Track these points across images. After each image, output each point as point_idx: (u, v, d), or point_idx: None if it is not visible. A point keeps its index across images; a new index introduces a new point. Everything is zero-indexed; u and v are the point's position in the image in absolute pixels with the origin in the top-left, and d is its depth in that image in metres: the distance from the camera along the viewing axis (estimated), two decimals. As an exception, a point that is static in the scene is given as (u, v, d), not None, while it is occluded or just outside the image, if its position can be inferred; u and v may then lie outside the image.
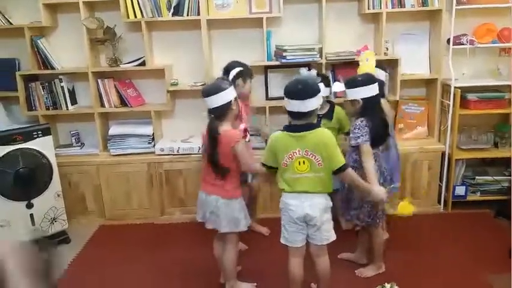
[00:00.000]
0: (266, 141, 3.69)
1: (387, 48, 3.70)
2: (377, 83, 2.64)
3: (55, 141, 3.71)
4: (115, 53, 3.67)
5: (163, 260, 3.16)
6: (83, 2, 3.48)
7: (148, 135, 3.73)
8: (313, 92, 2.24)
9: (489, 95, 3.58)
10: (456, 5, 3.43)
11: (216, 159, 2.48)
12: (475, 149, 3.71)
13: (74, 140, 3.86)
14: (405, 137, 3.82)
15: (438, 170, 3.69)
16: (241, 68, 3.03)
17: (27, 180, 3.21)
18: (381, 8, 3.52)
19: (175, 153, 3.65)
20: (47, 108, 3.72)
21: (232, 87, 2.51)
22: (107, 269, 3.08)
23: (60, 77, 3.68)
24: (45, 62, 3.63)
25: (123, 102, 3.76)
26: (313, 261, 2.43)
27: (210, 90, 2.46)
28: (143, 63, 3.65)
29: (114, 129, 3.75)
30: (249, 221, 2.63)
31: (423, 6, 3.54)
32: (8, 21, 3.58)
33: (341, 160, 2.28)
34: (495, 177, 3.74)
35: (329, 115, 3.20)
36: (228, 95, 2.46)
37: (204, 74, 3.67)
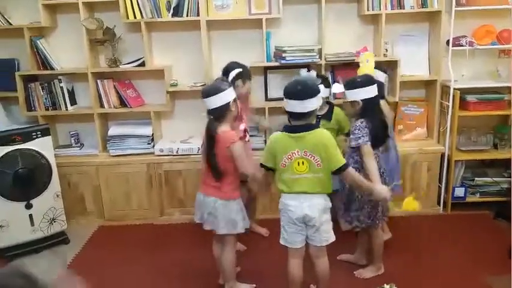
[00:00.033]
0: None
1: (387, 50, 3.70)
2: (376, 84, 2.65)
3: (54, 142, 3.71)
4: (114, 54, 3.67)
5: (163, 260, 3.16)
6: (82, 2, 3.48)
7: (148, 136, 3.73)
8: (312, 92, 2.24)
9: (488, 97, 3.58)
10: (455, 7, 3.44)
11: (213, 159, 2.49)
12: (474, 151, 3.71)
13: (73, 141, 3.86)
14: (404, 138, 3.82)
15: (437, 171, 3.70)
16: (240, 69, 3.03)
17: (26, 180, 3.21)
18: (380, 9, 3.52)
19: (175, 153, 3.65)
20: (47, 109, 3.72)
21: (231, 88, 2.51)
22: (106, 270, 3.08)
23: (60, 77, 3.69)
24: (44, 63, 3.63)
25: (122, 103, 3.76)
26: (313, 262, 2.43)
27: (209, 91, 2.46)
28: (143, 64, 3.65)
29: (113, 130, 3.75)
30: (248, 223, 2.62)
31: (422, 7, 3.55)
32: (8, 21, 3.58)
33: (341, 160, 2.27)
34: (494, 179, 3.74)
35: (328, 116, 3.19)
36: (227, 96, 2.45)
37: (203, 75, 3.67)
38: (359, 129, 2.57)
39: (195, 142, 3.65)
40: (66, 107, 3.73)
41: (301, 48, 3.50)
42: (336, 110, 3.23)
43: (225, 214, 2.51)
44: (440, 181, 3.73)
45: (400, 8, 3.54)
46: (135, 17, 3.52)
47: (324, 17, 3.52)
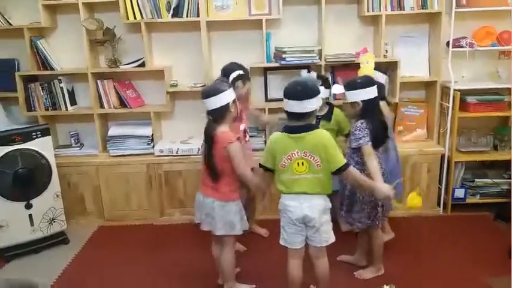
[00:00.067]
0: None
1: (387, 51, 3.71)
2: (376, 85, 2.65)
3: (54, 142, 3.71)
4: (114, 54, 3.67)
5: (163, 261, 3.16)
6: (82, 3, 3.48)
7: (148, 136, 3.73)
8: (312, 93, 2.24)
9: (488, 98, 3.58)
10: (456, 8, 3.44)
11: (210, 160, 2.48)
12: (474, 152, 3.71)
13: (73, 141, 3.86)
14: (404, 139, 3.82)
15: (437, 172, 3.69)
16: (241, 71, 3.05)
17: (26, 180, 3.21)
18: (380, 11, 3.52)
19: (175, 154, 3.65)
20: (46, 109, 3.72)
21: (231, 89, 2.50)
22: (105, 270, 3.08)
23: (60, 77, 3.69)
24: (44, 63, 3.63)
25: (122, 103, 3.76)
26: (313, 263, 2.43)
27: (208, 92, 2.46)
28: (143, 64, 3.65)
29: (113, 130, 3.75)
30: (246, 225, 2.60)
31: (423, 8, 3.55)
32: (8, 21, 3.58)
33: (341, 160, 2.27)
34: (494, 180, 3.74)
35: (328, 116, 3.20)
36: (227, 97, 2.45)
37: (203, 76, 3.67)
38: (359, 130, 2.58)
39: (195, 143, 3.65)
40: (66, 107, 3.73)
41: (301, 49, 3.50)
42: (336, 111, 3.23)
43: (223, 215, 2.51)
44: (440, 182, 3.73)
45: (400, 9, 3.54)
46: (135, 18, 3.52)
47: (324, 18, 3.52)
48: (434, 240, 3.31)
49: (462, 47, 3.53)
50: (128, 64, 3.71)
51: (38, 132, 3.31)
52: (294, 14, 3.70)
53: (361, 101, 2.60)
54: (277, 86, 3.74)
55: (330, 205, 2.37)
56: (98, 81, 3.69)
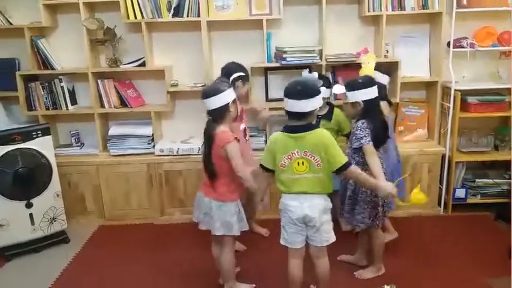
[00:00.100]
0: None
1: (387, 51, 3.70)
2: (376, 86, 2.65)
3: (55, 141, 3.71)
4: (115, 54, 3.67)
5: (163, 260, 3.16)
6: (83, 2, 3.48)
7: (148, 136, 3.73)
8: (312, 92, 2.24)
9: (489, 98, 3.58)
10: (456, 8, 3.44)
11: (209, 159, 2.49)
12: (475, 152, 3.70)
13: (73, 140, 3.86)
14: (405, 139, 3.82)
15: (438, 172, 3.69)
16: (242, 73, 3.06)
17: (26, 180, 3.21)
18: (381, 11, 3.52)
19: (175, 153, 3.65)
20: (47, 108, 3.72)
21: (231, 89, 2.50)
22: (106, 270, 3.08)
23: (60, 77, 3.69)
24: (45, 62, 3.64)
25: (123, 103, 3.76)
26: (313, 262, 2.43)
27: (208, 92, 2.46)
28: (143, 64, 3.65)
29: (114, 130, 3.75)
30: (245, 225, 2.58)
31: (423, 9, 3.55)
32: (8, 21, 3.58)
33: (343, 159, 2.26)
34: (495, 180, 3.74)
35: (328, 116, 3.20)
36: (227, 97, 2.45)
37: (204, 75, 3.67)
38: (360, 130, 2.58)
39: (196, 142, 3.66)
40: (66, 106, 3.73)
41: (302, 49, 3.50)
42: (336, 110, 3.24)
43: (220, 215, 2.50)
44: (441, 182, 3.73)
45: (401, 10, 3.54)
46: (135, 17, 3.52)
47: (324, 18, 3.52)
48: (435, 240, 3.31)
49: (463, 47, 3.53)
50: (128, 64, 3.71)
51: (38, 132, 3.31)
52: (294, 14, 3.70)
53: (362, 101, 2.61)
54: (277, 86, 3.74)
55: (330, 205, 2.37)
56: (99, 81, 3.69)
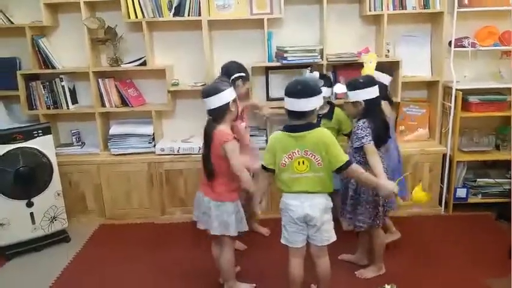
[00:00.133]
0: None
1: (388, 50, 3.70)
2: (378, 85, 2.65)
3: (55, 141, 3.71)
4: (116, 53, 3.67)
5: (164, 259, 3.16)
6: (84, 2, 3.48)
7: (149, 135, 3.73)
8: (312, 91, 2.24)
9: (491, 98, 3.58)
10: (458, 8, 3.44)
11: (207, 159, 2.48)
12: (476, 152, 3.70)
13: (74, 139, 3.86)
14: (406, 139, 3.81)
15: (439, 172, 3.69)
16: (242, 73, 3.06)
17: (27, 179, 3.21)
18: (382, 10, 3.52)
19: (176, 153, 3.65)
20: (48, 108, 3.72)
21: (231, 88, 2.49)
22: (106, 269, 3.08)
23: (61, 76, 3.69)
24: (46, 62, 3.64)
25: (123, 102, 3.76)
26: (314, 262, 2.42)
27: (208, 91, 2.45)
28: (144, 63, 3.65)
29: (114, 129, 3.75)
30: (244, 226, 2.57)
31: (425, 8, 3.54)
32: (9, 20, 3.59)
33: (343, 158, 2.26)
34: (496, 180, 3.73)
35: (329, 115, 3.20)
36: (227, 96, 2.44)
37: (204, 75, 3.67)
38: (361, 129, 2.58)
39: (196, 141, 3.66)
40: (67, 105, 3.73)
41: (303, 49, 3.50)
42: (337, 110, 3.24)
43: (218, 215, 2.50)
44: (442, 182, 3.72)
45: (402, 9, 3.54)
46: (136, 17, 3.52)
47: (325, 18, 3.52)
48: (435, 239, 3.30)
49: (464, 46, 3.53)
50: (129, 63, 3.71)
51: (39, 131, 3.31)
52: (295, 13, 3.69)
53: (363, 100, 2.61)
54: (278, 85, 3.74)
55: (331, 204, 2.36)
56: (99, 80, 3.69)
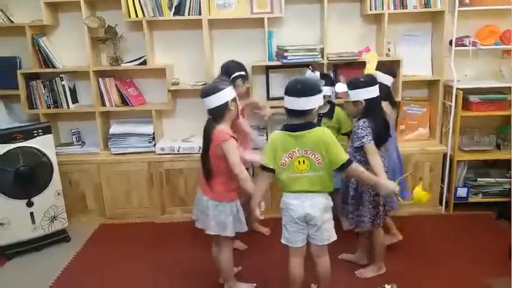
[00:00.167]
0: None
1: (389, 49, 3.69)
2: (378, 85, 2.65)
3: (56, 140, 3.70)
4: (116, 52, 3.67)
5: (164, 259, 3.16)
6: (84, 1, 3.48)
7: (149, 135, 3.73)
8: (312, 91, 2.23)
9: (491, 97, 3.57)
10: (459, 7, 3.43)
11: (206, 158, 2.48)
12: (477, 151, 3.70)
13: (74, 139, 3.86)
14: (407, 138, 3.81)
15: (440, 171, 3.68)
16: (242, 72, 3.06)
17: (27, 178, 3.21)
18: (383, 9, 3.52)
19: (176, 152, 3.65)
20: (48, 107, 3.72)
21: (231, 88, 2.48)
22: (107, 268, 3.08)
23: (61, 75, 3.68)
24: (46, 61, 3.63)
25: (124, 101, 3.75)
26: (314, 261, 2.42)
27: (208, 91, 2.45)
28: (144, 63, 3.65)
29: (115, 128, 3.75)
30: (243, 227, 2.55)
31: (425, 7, 3.54)
32: (10, 19, 3.58)
33: (344, 157, 2.25)
34: (497, 179, 3.73)
35: (329, 114, 3.21)
36: (226, 95, 2.43)
37: (205, 74, 3.67)
38: (362, 129, 2.57)
39: (196, 141, 3.65)
40: (67, 105, 3.73)
41: (303, 48, 3.49)
42: (337, 109, 3.24)
43: (216, 215, 2.49)
44: (442, 181, 3.72)
45: (403, 8, 3.53)
46: (136, 16, 3.51)
47: (326, 17, 3.51)
48: (436, 239, 3.30)
49: (465, 45, 3.52)
50: (129, 62, 3.71)
51: (39, 130, 3.31)
52: (296, 12, 3.69)
53: (364, 99, 2.60)
54: (278, 84, 3.73)
55: (331, 203, 2.36)
56: (100, 79, 3.69)
